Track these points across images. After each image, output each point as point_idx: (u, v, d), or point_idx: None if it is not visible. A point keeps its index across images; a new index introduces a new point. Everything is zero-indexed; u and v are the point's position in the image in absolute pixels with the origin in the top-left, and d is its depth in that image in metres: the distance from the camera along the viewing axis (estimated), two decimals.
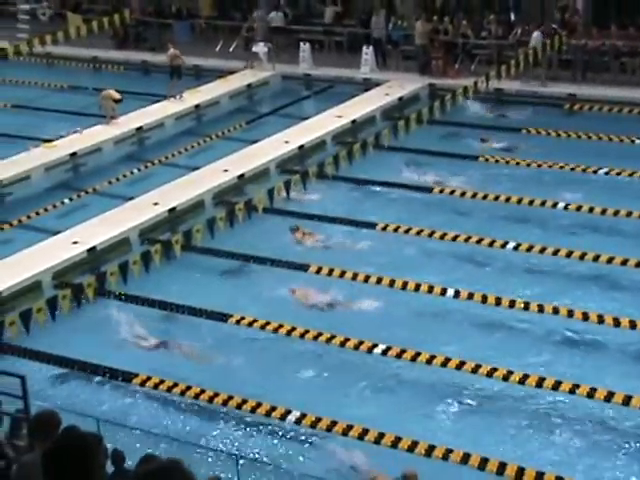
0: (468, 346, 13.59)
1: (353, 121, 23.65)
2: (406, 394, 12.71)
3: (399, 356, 13.26)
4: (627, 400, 12.00)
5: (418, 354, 13.20)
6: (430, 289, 15.11)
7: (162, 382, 12.94)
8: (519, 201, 18.44)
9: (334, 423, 11.80)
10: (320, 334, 13.86)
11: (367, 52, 27.63)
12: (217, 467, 10.95)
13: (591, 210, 17.84)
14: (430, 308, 14.83)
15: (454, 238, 16.96)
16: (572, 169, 20.07)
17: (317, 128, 22.98)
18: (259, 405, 12.28)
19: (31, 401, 7.92)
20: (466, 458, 11.08)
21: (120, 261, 15.92)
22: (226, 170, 20.26)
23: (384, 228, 17.59)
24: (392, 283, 15.36)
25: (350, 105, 24.73)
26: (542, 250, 16.25)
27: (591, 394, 12.16)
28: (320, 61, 28.67)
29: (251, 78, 27.89)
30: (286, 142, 21.99)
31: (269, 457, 11.31)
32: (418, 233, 17.27)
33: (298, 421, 11.94)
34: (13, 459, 7.13)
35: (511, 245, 16.51)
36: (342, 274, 15.77)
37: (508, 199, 18.57)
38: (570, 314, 14.16)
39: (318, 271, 15.94)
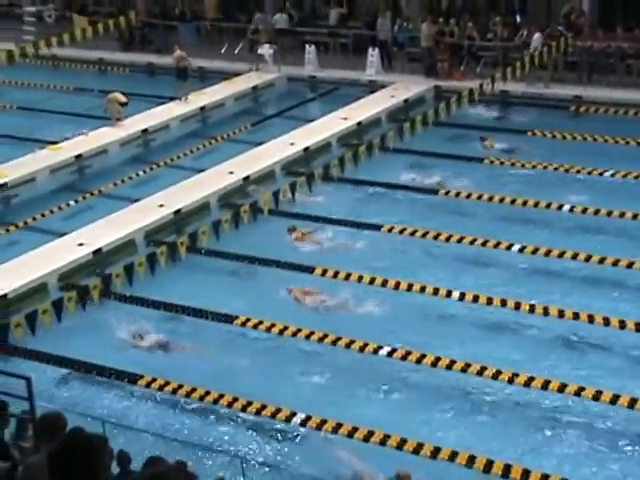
0: (473, 348, 13.58)
1: (358, 123, 23.65)
2: (411, 396, 12.70)
3: (404, 358, 13.25)
4: (632, 403, 11.98)
5: (423, 356, 13.20)
6: (435, 291, 15.11)
7: (167, 384, 12.95)
8: (524, 203, 18.43)
9: (339, 425, 11.79)
10: (326, 336, 13.86)
11: (372, 54, 27.63)
12: (222, 469, 10.95)
13: (597, 212, 17.82)
14: (435, 310, 14.82)
15: (459, 240, 16.94)
16: (578, 171, 20.05)
17: (322, 130, 22.99)
18: (264, 407, 12.28)
19: (37, 402, 7.91)
20: (471, 460, 11.07)
21: (126, 263, 15.93)
22: (231, 172, 20.27)
23: (389, 230, 17.59)
24: (397, 285, 15.36)
25: (355, 107, 24.73)
26: (547, 252, 16.24)
27: (597, 397, 12.14)
28: (325, 63, 28.68)
29: (256, 80, 27.91)
30: (291, 144, 22.00)
31: (274, 459, 11.30)
32: (423, 235, 17.26)
33: (303, 423, 11.94)
34: (19, 460, 7.14)
35: (516, 247, 16.49)
36: (347, 276, 15.77)
37: (513, 201, 18.56)
38: (576, 316, 14.13)
39: (323, 273, 15.94)
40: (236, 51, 30.06)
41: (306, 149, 21.92)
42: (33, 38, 31.87)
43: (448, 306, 14.85)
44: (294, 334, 14.06)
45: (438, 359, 13.10)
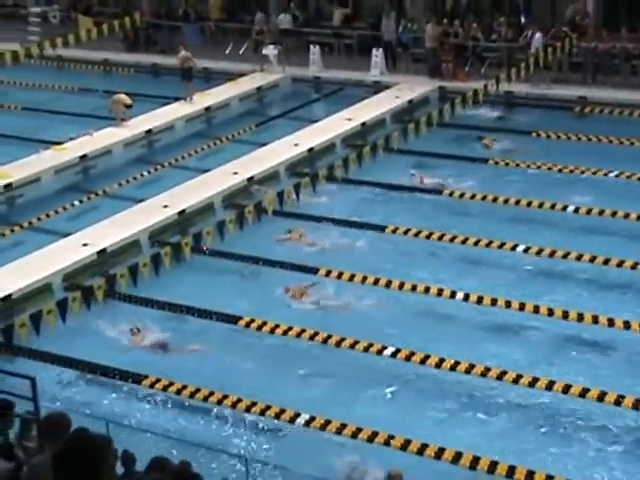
0: (477, 349, 13.58)
1: (363, 124, 23.66)
2: (415, 397, 12.70)
3: (408, 359, 13.25)
4: (637, 404, 11.96)
5: (427, 357, 13.19)
6: (439, 292, 15.10)
7: (172, 384, 12.96)
8: (529, 204, 18.42)
9: (344, 426, 11.80)
10: (330, 336, 13.87)
11: (377, 55, 27.63)
12: (226, 469, 10.96)
13: (601, 213, 17.80)
14: (439, 311, 14.81)
15: (464, 241, 16.94)
16: (582, 172, 20.04)
17: (327, 131, 23.00)
18: (268, 407, 12.28)
19: (41, 403, 7.92)
20: (475, 461, 11.06)
21: (130, 263, 15.94)
22: (236, 173, 20.28)
23: (393, 231, 17.58)
24: (401, 286, 15.35)
25: (360, 108, 24.74)
26: (552, 253, 16.22)
27: (601, 397, 12.13)
28: (330, 64, 28.68)
29: (261, 81, 27.92)
30: (296, 145, 22.01)
31: (278, 460, 11.30)
32: (428, 236, 17.25)
33: (307, 423, 11.94)
34: (23, 461, 7.14)
35: (521, 248, 16.48)
36: (351, 277, 15.76)
37: (518, 202, 18.54)
38: (580, 317, 14.12)
39: (327, 274, 15.94)
40: (241, 52, 30.07)
41: (310, 150, 21.93)
42: (38, 39, 31.88)
43: (452, 307, 14.85)
44: (298, 335, 14.07)
45: (442, 360, 13.09)
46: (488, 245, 16.70)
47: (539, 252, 16.33)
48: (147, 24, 32.91)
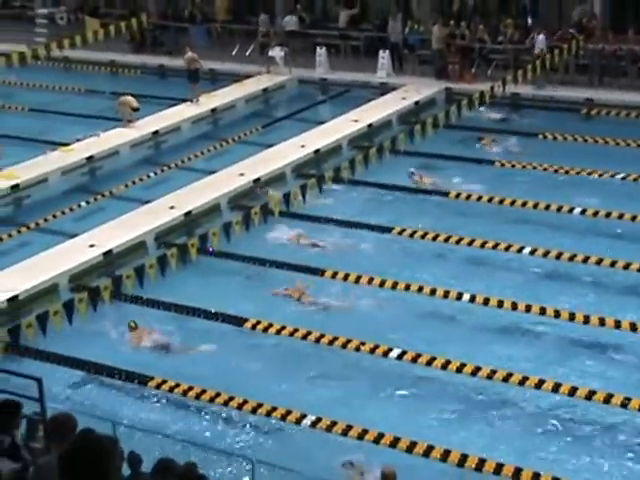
0: (483, 351, 13.57)
1: (369, 125, 23.65)
2: (421, 399, 12.69)
3: (414, 360, 13.24)
4: None
5: (433, 359, 13.19)
6: (446, 294, 15.09)
7: (177, 385, 12.97)
8: (535, 206, 18.39)
9: (349, 427, 11.79)
10: (336, 338, 13.86)
11: (383, 56, 27.62)
12: (232, 471, 10.97)
13: (608, 215, 17.77)
14: (445, 312, 14.80)
15: (470, 243, 16.92)
16: (589, 174, 20.01)
17: (333, 132, 23.00)
18: (274, 409, 12.28)
19: (47, 403, 7.94)
20: (481, 463, 11.05)
21: (136, 264, 15.96)
22: (242, 174, 20.29)
23: (400, 232, 17.57)
24: (408, 287, 15.35)
25: (366, 109, 24.73)
26: (558, 255, 16.20)
27: (607, 400, 12.11)
28: (336, 65, 28.69)
29: (267, 82, 27.93)
30: (302, 146, 22.01)
31: (284, 461, 11.29)
32: (434, 238, 17.24)
33: (313, 425, 11.94)
34: (29, 461, 7.15)
35: (527, 250, 16.46)
36: (357, 278, 15.76)
37: (524, 204, 18.53)
38: (587, 319, 14.10)
39: (333, 275, 15.94)
40: (247, 53, 30.08)
41: (317, 151, 21.93)
42: (45, 40, 31.95)
43: (458, 309, 14.83)
44: (304, 337, 14.07)
45: (448, 362, 13.08)
46: (494, 247, 16.68)
47: (545, 254, 16.31)
48: (154, 25, 32.95)
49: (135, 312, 15.05)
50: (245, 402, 12.48)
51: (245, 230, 17.19)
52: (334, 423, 11.89)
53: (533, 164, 20.71)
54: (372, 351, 13.53)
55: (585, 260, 15.97)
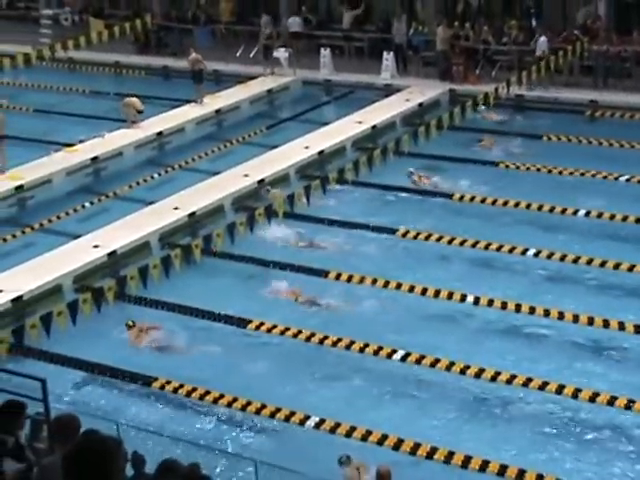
0: (487, 353, 13.56)
1: (373, 127, 23.64)
2: (425, 400, 12.68)
3: (418, 362, 13.24)
4: None
5: (437, 360, 13.18)
6: (450, 295, 15.08)
7: (181, 386, 12.98)
8: (539, 208, 18.38)
9: (353, 429, 11.79)
10: (339, 340, 13.87)
11: (388, 58, 27.61)
12: (236, 472, 10.97)
13: (612, 217, 17.75)
14: (450, 314, 14.79)
15: (474, 244, 16.92)
16: (593, 176, 19.99)
17: (337, 134, 23.00)
18: (278, 410, 12.29)
19: (51, 404, 7.94)
20: (485, 465, 11.05)
21: (140, 265, 15.97)
22: (246, 175, 20.30)
23: (404, 234, 17.57)
24: (412, 289, 15.34)
25: (370, 111, 24.73)
26: (563, 257, 16.19)
27: (611, 402, 12.10)
28: (341, 67, 28.68)
29: (271, 83, 27.93)
30: (306, 147, 22.02)
31: (287, 462, 11.29)
32: (438, 239, 17.24)
33: (317, 426, 11.94)
34: (33, 462, 7.16)
35: (531, 252, 16.45)
36: (361, 280, 15.76)
37: (528, 206, 18.51)
38: (590, 321, 14.09)
39: (337, 277, 15.94)
40: (251, 54, 30.08)
41: (321, 152, 21.93)
42: (50, 41, 32.00)
43: (462, 310, 14.82)
44: (308, 338, 14.07)
45: (452, 363, 13.08)
46: (498, 249, 16.67)
47: (550, 256, 16.29)
48: (158, 27, 32.96)
49: (139, 313, 15.06)
50: (249, 403, 12.49)
51: (249, 231, 17.20)
52: (338, 424, 11.89)
53: (537, 166, 20.70)
54: (376, 353, 13.52)
55: (589, 262, 15.95)
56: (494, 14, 29.43)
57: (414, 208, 19.12)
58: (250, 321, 14.59)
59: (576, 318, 14.19)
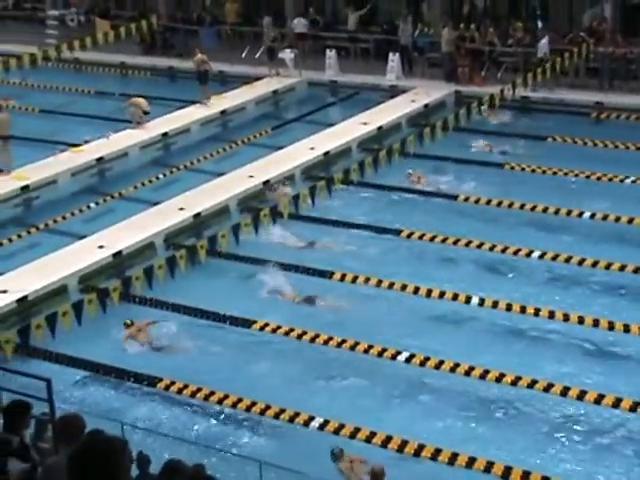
0: (492, 354, 13.55)
1: (379, 128, 23.64)
2: (429, 402, 12.67)
3: (423, 364, 13.23)
4: None
5: (442, 362, 13.17)
6: (454, 297, 15.08)
7: (186, 387, 12.99)
8: (545, 210, 18.37)
9: (357, 430, 11.79)
10: (344, 341, 13.87)
11: (393, 59, 27.61)
12: (240, 472, 10.97)
13: (617, 219, 17.74)
14: (454, 316, 14.78)
15: (479, 246, 16.91)
16: (598, 178, 19.96)
17: (343, 135, 23.00)
18: (282, 411, 12.29)
19: (56, 404, 7.96)
20: (489, 466, 11.04)
21: (145, 266, 15.98)
22: (251, 176, 20.31)
23: (409, 235, 17.57)
24: (416, 290, 15.34)
25: (376, 112, 24.73)
26: (568, 259, 16.17)
27: (616, 404, 12.08)
28: (346, 68, 28.69)
29: (277, 84, 27.95)
30: (311, 148, 22.02)
31: (292, 463, 11.29)
32: (443, 241, 17.23)
33: (322, 427, 11.95)
34: (38, 462, 7.17)
35: (536, 254, 16.44)
36: (367, 280, 15.75)
37: (534, 207, 18.49)
38: (595, 323, 14.07)
39: (342, 278, 15.94)
40: (256, 55, 30.10)
41: (326, 153, 21.94)
42: (56, 41, 32.05)
43: (467, 312, 14.81)
44: (312, 339, 14.07)
45: (457, 365, 13.07)
46: (503, 251, 16.66)
47: (554, 258, 16.28)
48: (164, 28, 33.01)
49: (144, 313, 15.07)
50: (253, 404, 12.49)
51: (254, 232, 17.21)
52: (342, 425, 11.89)
53: (542, 167, 20.68)
54: (380, 354, 13.52)
55: (594, 264, 15.93)
56: (500, 16, 29.41)
57: (419, 209, 19.10)
58: (255, 322, 14.59)
59: (581, 320, 14.17)
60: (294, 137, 23.04)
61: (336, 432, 11.83)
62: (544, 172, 20.55)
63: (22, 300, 15.24)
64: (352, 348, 13.73)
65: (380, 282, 15.67)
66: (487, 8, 29.94)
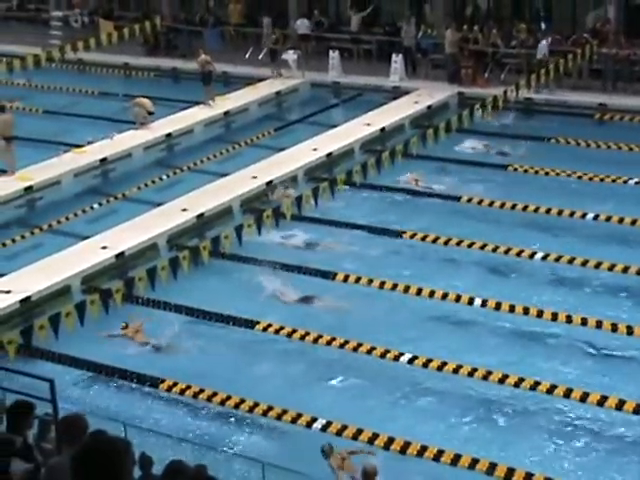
0: (495, 356, 13.54)
1: (382, 129, 23.65)
2: (432, 403, 12.67)
3: (425, 365, 13.23)
4: None
5: (444, 363, 13.17)
6: (457, 298, 15.07)
7: (189, 388, 12.99)
8: (548, 211, 18.36)
9: (360, 431, 11.79)
10: (346, 342, 13.86)
11: (396, 60, 27.61)
12: (243, 473, 10.98)
13: (621, 221, 17.72)
14: (457, 317, 14.78)
15: (482, 247, 16.90)
16: (602, 179, 19.95)
17: (345, 136, 23.00)
18: (285, 412, 12.29)
19: (59, 404, 7.96)
20: (492, 468, 11.03)
21: (148, 267, 15.99)
22: (254, 177, 20.32)
23: (412, 236, 17.56)
24: (419, 291, 15.34)
25: (379, 113, 24.74)
26: (571, 260, 16.16)
27: (619, 406, 12.07)
28: (349, 69, 28.69)
29: (280, 85, 27.96)
30: (314, 150, 22.02)
31: (294, 464, 11.29)
32: (446, 242, 17.23)
33: (324, 429, 11.95)
34: (41, 462, 7.18)
35: (539, 255, 16.43)
36: (370, 282, 15.75)
37: (537, 209, 18.48)
38: (599, 325, 14.06)
39: (345, 279, 15.94)
40: (260, 56, 30.12)
41: (329, 155, 21.95)
42: (59, 42, 32.09)
43: (470, 313, 14.81)
44: (315, 340, 14.07)
45: (460, 366, 13.07)
46: (506, 252, 16.66)
47: (558, 259, 16.27)
48: (167, 28, 33.04)
49: (146, 314, 15.09)
50: (256, 405, 12.49)
51: (257, 233, 17.22)
52: (344, 427, 11.89)
53: (545, 169, 20.67)
54: (383, 355, 13.52)
55: (597, 265, 15.92)
56: (503, 17, 29.41)
57: (422, 210, 19.09)
58: (257, 322, 14.60)
59: (584, 321, 14.16)
60: (297, 138, 23.05)
61: (339, 433, 11.82)
62: (547, 173, 20.54)
63: (25, 300, 15.26)
64: (355, 349, 13.72)
65: (383, 283, 15.67)
66: (490, 9, 29.95)
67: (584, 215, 18.05)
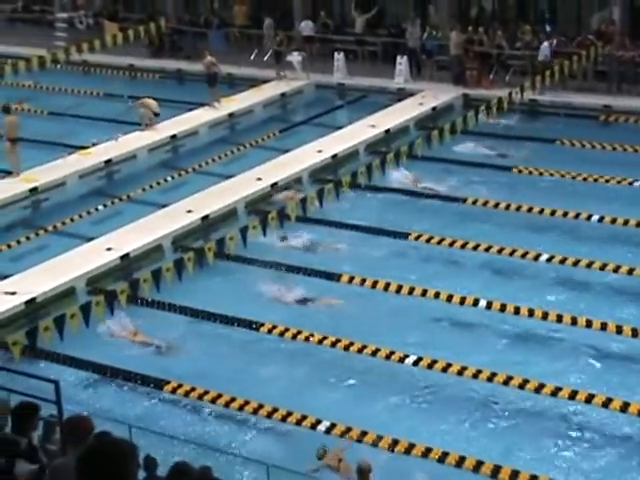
0: (500, 358, 13.54)
1: (387, 131, 23.65)
2: (436, 405, 12.66)
3: (430, 367, 13.22)
4: None
5: (449, 365, 13.16)
6: (462, 300, 15.06)
7: (193, 389, 13.00)
8: (553, 213, 18.34)
9: (364, 433, 11.79)
10: (351, 344, 13.86)
11: (401, 62, 27.60)
12: (247, 475, 10.98)
13: (626, 223, 17.70)
14: (462, 319, 14.77)
15: (487, 249, 16.88)
16: (607, 181, 19.93)
17: (350, 137, 23.00)
18: (290, 414, 12.29)
19: (64, 406, 7.98)
20: (497, 470, 11.02)
21: (153, 268, 16.00)
22: (259, 179, 20.33)
23: (417, 238, 17.56)
24: (424, 293, 15.33)
25: (384, 115, 24.73)
26: (576, 262, 16.14)
27: (624, 408, 12.05)
28: (354, 70, 28.68)
29: (285, 87, 27.97)
30: (319, 151, 22.02)
31: (298, 466, 11.30)
32: (451, 244, 17.22)
33: (328, 431, 11.94)
34: (46, 464, 7.19)
35: (544, 257, 16.41)
36: (374, 284, 15.75)
37: (542, 210, 18.47)
38: (604, 327, 14.04)
39: (350, 280, 15.94)
40: (265, 58, 30.13)
41: (334, 156, 21.95)
42: (64, 44, 32.12)
43: (475, 315, 14.80)
44: (320, 342, 14.07)
45: (464, 368, 13.06)
46: (511, 254, 16.64)
47: (562, 261, 16.25)
48: (172, 30, 33.06)
49: (150, 316, 15.10)
50: (261, 406, 12.49)
51: (262, 234, 17.22)
52: (349, 429, 11.89)
53: (550, 171, 20.64)
54: (388, 357, 13.51)
55: (602, 267, 15.90)
56: (508, 19, 29.39)
57: (426, 212, 19.08)
58: (262, 324, 14.60)
59: (589, 323, 14.15)
60: (302, 140, 23.05)
61: (342, 436, 11.81)
62: (552, 175, 20.52)
63: (30, 302, 15.28)
64: (360, 351, 13.72)
65: (388, 285, 15.66)
66: (495, 11, 29.92)
67: (589, 217, 18.03)
